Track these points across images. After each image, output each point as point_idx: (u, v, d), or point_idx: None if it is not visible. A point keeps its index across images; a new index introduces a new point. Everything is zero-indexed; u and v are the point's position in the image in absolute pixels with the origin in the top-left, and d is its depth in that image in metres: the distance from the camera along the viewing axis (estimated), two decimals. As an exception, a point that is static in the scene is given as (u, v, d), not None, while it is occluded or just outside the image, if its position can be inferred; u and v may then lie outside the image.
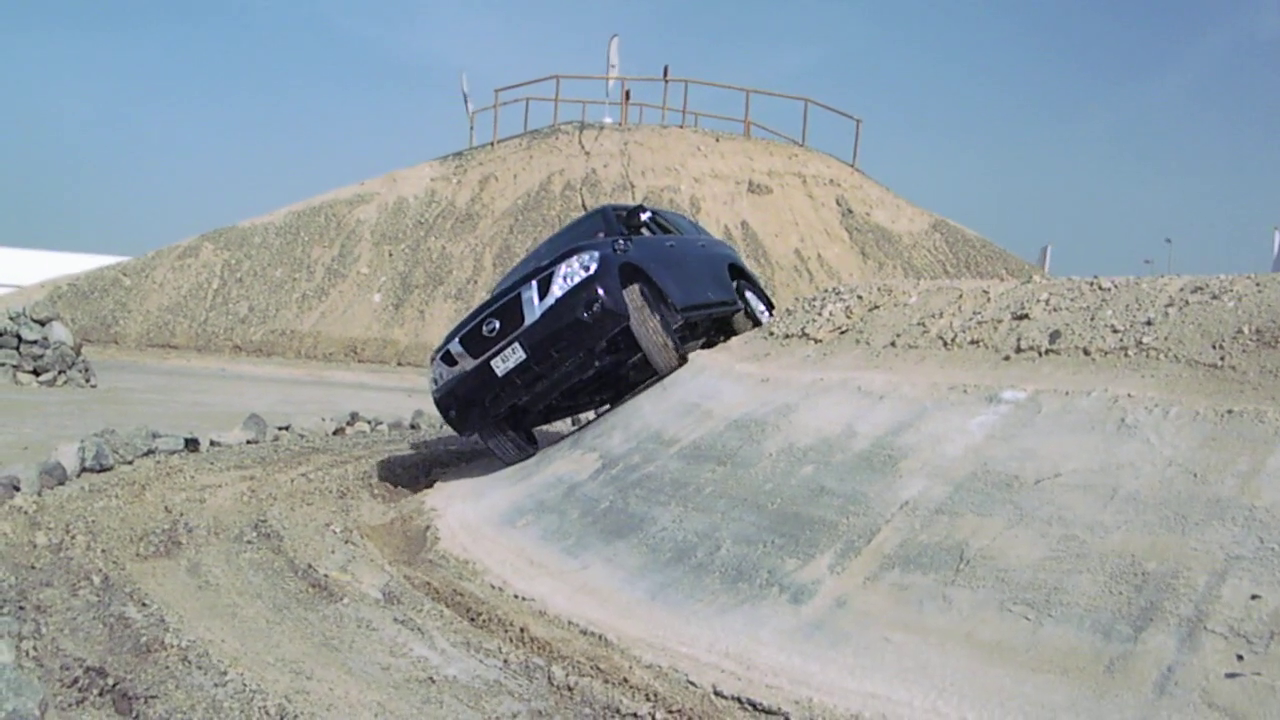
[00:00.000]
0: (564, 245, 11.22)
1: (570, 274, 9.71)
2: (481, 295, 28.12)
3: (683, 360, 10.34)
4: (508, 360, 9.68)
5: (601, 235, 11.13)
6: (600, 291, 9.58)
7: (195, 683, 5.17)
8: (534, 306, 9.72)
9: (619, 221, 11.46)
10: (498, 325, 9.82)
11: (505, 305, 9.92)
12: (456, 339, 10.15)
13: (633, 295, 9.97)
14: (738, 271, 13.61)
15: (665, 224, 12.81)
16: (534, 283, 9.86)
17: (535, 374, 9.80)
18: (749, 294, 13.48)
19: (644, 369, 10.72)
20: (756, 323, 12.99)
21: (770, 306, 13.82)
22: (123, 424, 11.79)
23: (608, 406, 11.76)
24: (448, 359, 10.22)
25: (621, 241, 10.50)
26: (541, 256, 11.71)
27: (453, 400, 10.16)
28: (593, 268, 9.73)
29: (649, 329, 10.02)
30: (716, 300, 12.33)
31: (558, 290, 9.66)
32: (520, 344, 9.64)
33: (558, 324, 9.58)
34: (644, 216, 11.20)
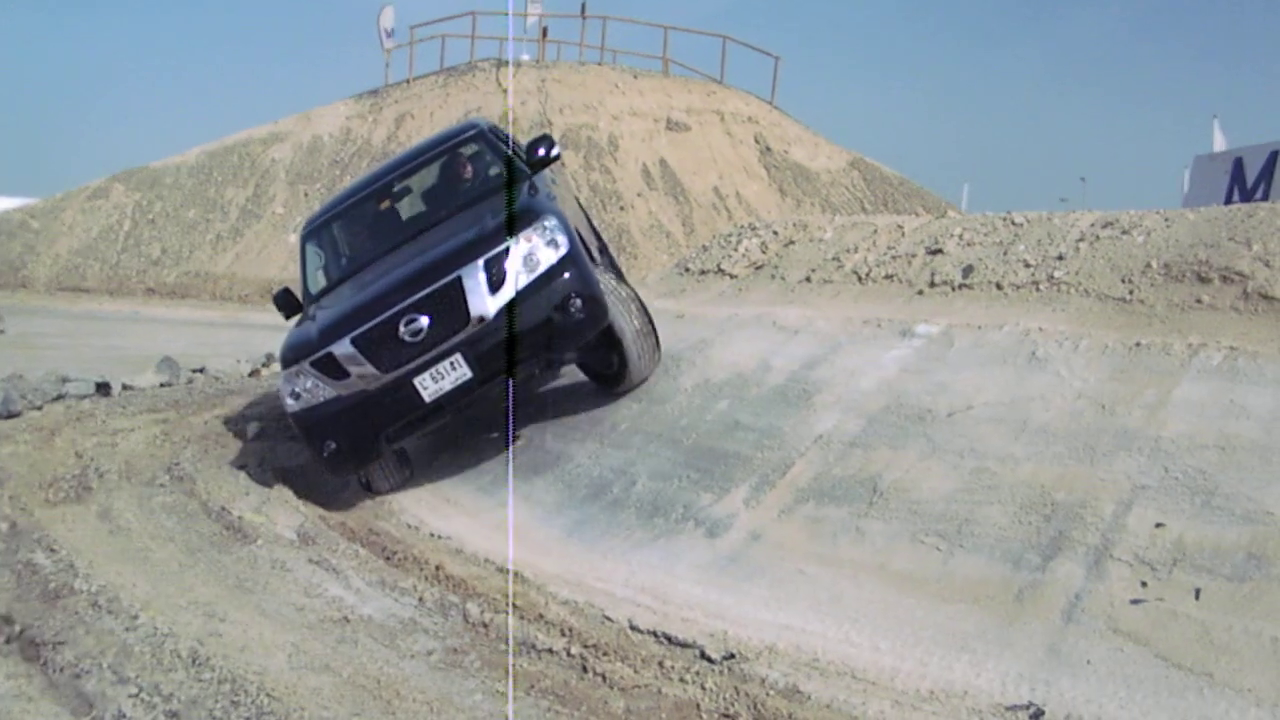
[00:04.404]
0: (425, 178, 9.04)
1: (532, 254, 7.03)
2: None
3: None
4: (443, 379, 6.94)
5: (467, 168, 8.82)
6: (579, 282, 7.11)
7: (105, 627, 5.09)
8: (484, 300, 6.89)
9: (513, 153, 8.65)
10: (425, 324, 6.89)
11: (437, 295, 6.93)
12: (348, 339, 7.03)
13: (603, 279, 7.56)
14: None
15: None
16: (480, 264, 6.94)
17: (476, 395, 7.17)
18: None
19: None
20: None
21: None
22: (31, 369, 11.51)
23: None
24: (328, 367, 7.11)
25: (543, 191, 7.89)
26: (380, 185, 8.91)
27: (336, 429, 7.17)
28: (563, 245, 7.12)
29: (632, 326, 7.62)
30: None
31: (519, 278, 6.98)
32: (464, 356, 6.91)
33: (520, 327, 6.97)
34: (554, 152, 8.20)
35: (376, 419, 7.07)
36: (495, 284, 6.91)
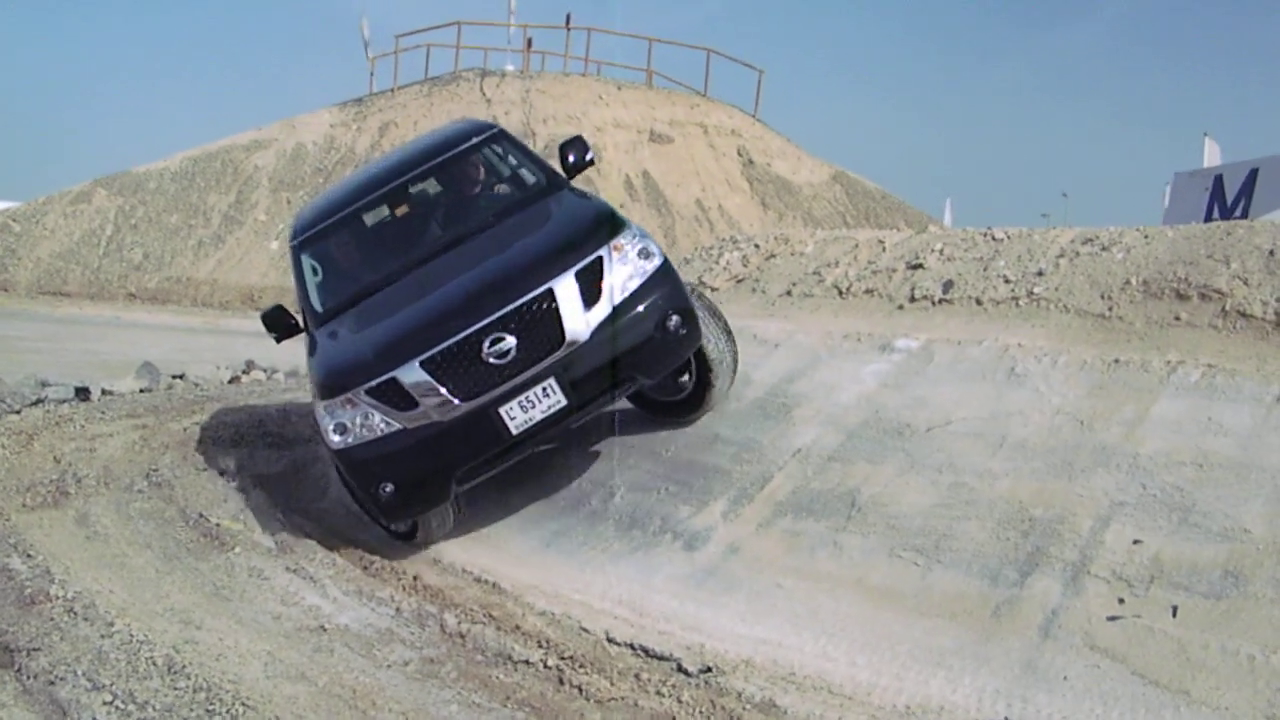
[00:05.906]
0: (445, 180, 7.77)
1: (625, 265, 6.20)
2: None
3: None
4: (533, 407, 5.97)
5: (485, 170, 7.72)
6: (677, 297, 6.32)
7: (81, 634, 5.06)
8: (579, 317, 5.98)
9: (536, 158, 7.72)
10: (513, 345, 5.89)
11: (525, 310, 5.96)
12: (417, 362, 5.94)
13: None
14: None
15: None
16: (571, 275, 6.04)
17: (564, 426, 6.22)
18: None
19: None
20: None
21: None
22: (11, 373, 11.46)
23: None
24: (390, 395, 6.00)
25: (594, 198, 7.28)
26: (391, 188, 7.60)
27: (397, 469, 6.05)
28: (656, 255, 6.36)
29: (720, 343, 6.80)
30: None
31: (614, 292, 6.12)
32: (558, 381, 5.96)
33: (618, 347, 6.09)
34: (588, 157, 7.30)
35: (449, 456, 6.03)
36: (590, 298, 6.03)
